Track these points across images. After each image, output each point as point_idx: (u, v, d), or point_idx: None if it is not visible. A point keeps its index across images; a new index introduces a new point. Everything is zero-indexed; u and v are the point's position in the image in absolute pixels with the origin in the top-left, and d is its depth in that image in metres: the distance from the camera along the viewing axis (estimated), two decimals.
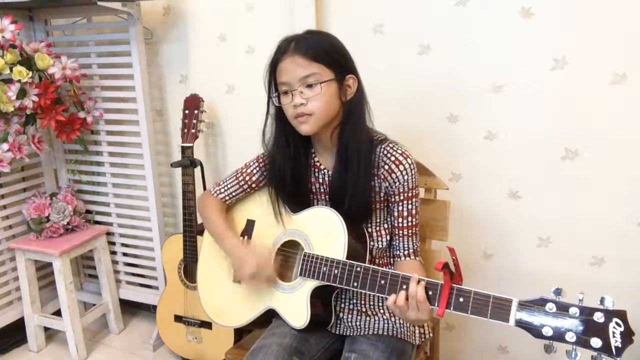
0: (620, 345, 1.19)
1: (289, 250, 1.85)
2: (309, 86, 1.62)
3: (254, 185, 1.94)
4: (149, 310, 3.36)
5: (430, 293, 1.46)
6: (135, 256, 3.24)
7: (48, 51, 2.65)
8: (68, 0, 2.76)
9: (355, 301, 1.84)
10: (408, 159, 1.71)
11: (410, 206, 1.74)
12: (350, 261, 1.62)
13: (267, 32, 2.58)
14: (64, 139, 2.84)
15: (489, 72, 2.21)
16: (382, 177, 1.72)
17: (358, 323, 1.83)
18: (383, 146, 1.72)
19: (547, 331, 1.26)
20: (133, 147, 2.98)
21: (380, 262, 1.83)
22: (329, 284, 1.65)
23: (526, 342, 1.31)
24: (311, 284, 1.71)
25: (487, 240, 2.41)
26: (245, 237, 1.95)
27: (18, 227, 3.06)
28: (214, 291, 2.00)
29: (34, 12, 2.97)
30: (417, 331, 1.85)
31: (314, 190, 1.84)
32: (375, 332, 1.80)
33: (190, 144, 2.67)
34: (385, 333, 1.79)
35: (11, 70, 2.49)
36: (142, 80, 2.77)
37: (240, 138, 2.85)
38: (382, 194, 1.76)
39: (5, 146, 2.64)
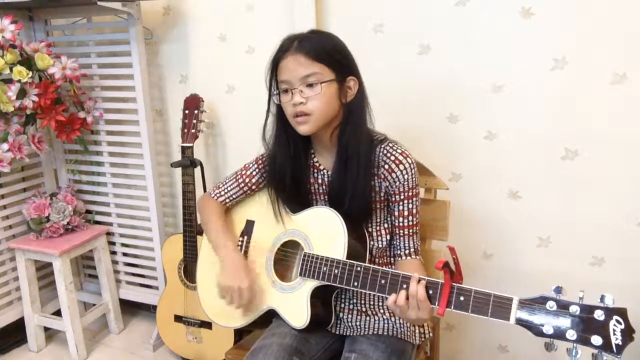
0: (620, 343, 1.19)
1: (288, 250, 1.85)
2: (310, 85, 1.62)
3: (254, 187, 1.94)
4: (149, 310, 3.35)
5: (430, 292, 1.46)
6: (135, 256, 3.24)
7: (48, 51, 2.65)
8: (68, 0, 2.76)
9: (355, 301, 1.83)
10: (408, 159, 1.71)
11: (410, 205, 1.74)
12: (351, 261, 1.62)
13: (267, 32, 2.59)
14: (64, 139, 2.84)
15: (489, 72, 2.21)
16: (382, 176, 1.72)
17: (358, 323, 1.83)
18: (383, 146, 1.73)
19: (548, 329, 1.26)
20: (133, 147, 2.98)
21: (381, 261, 1.83)
22: (329, 284, 1.65)
23: (526, 341, 1.32)
24: (311, 284, 1.71)
25: (487, 240, 2.41)
26: (245, 237, 1.95)
27: (18, 227, 3.06)
28: (213, 291, 1.99)
29: (34, 12, 2.97)
30: (417, 331, 1.85)
31: (313, 190, 1.84)
32: (375, 332, 1.80)
33: (190, 144, 2.67)
34: (385, 333, 1.79)
35: (11, 70, 2.49)
36: (142, 80, 2.77)
37: (240, 138, 2.85)
38: (382, 194, 1.76)
39: (5, 146, 2.64)
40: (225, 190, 1.97)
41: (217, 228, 1.94)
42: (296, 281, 1.76)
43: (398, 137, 1.78)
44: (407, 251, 1.77)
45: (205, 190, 2.74)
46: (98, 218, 3.22)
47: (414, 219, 1.76)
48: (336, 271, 1.63)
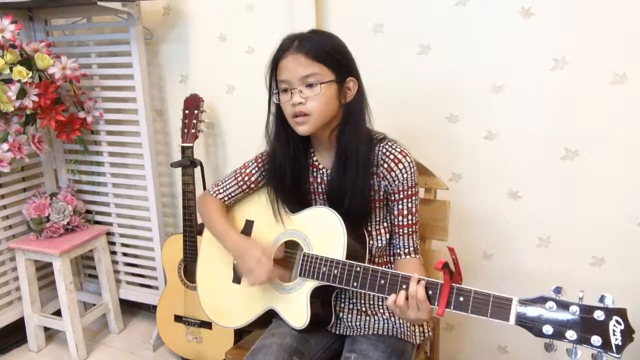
0: (620, 343, 1.19)
1: (288, 250, 1.84)
2: (309, 86, 1.62)
3: (253, 186, 1.94)
4: (149, 310, 3.35)
5: (430, 292, 1.46)
6: (135, 256, 3.24)
7: (48, 51, 2.65)
8: (68, 0, 2.76)
9: (355, 301, 1.83)
10: (407, 157, 1.71)
11: (410, 204, 1.74)
12: (350, 261, 1.62)
13: (267, 32, 2.59)
14: (64, 139, 2.84)
15: (489, 72, 2.21)
16: (382, 175, 1.72)
17: (358, 323, 1.83)
18: (382, 145, 1.73)
19: (548, 330, 1.26)
20: (133, 147, 2.98)
21: (380, 260, 1.83)
22: (329, 284, 1.65)
23: (526, 341, 1.32)
24: (311, 284, 1.71)
25: (487, 240, 2.41)
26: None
27: (18, 227, 3.06)
28: (213, 291, 2.00)
29: (34, 12, 2.97)
30: (417, 330, 1.85)
31: (312, 189, 1.84)
32: (375, 332, 1.80)
33: (190, 144, 2.67)
34: (385, 333, 1.80)
35: (11, 70, 2.49)
36: (142, 80, 2.78)
37: (240, 138, 2.85)
38: (381, 193, 1.76)
39: (5, 146, 2.64)
40: (225, 188, 1.97)
41: (220, 222, 1.94)
42: (296, 281, 1.76)
43: (398, 137, 1.78)
44: (406, 250, 1.77)
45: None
46: (98, 218, 3.22)
47: (414, 217, 1.76)
48: (335, 271, 1.63)
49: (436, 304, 1.44)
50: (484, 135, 2.29)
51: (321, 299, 1.77)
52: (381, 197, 1.77)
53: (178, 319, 2.82)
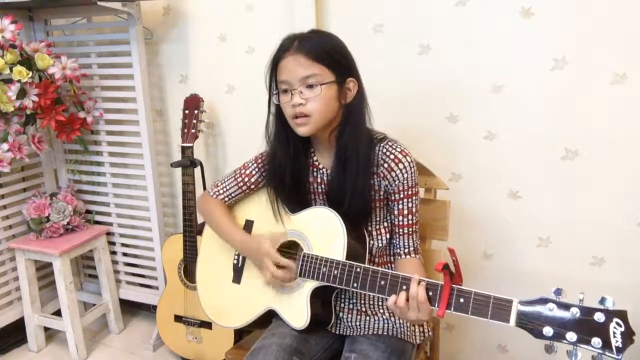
0: (620, 345, 1.19)
1: (288, 250, 1.84)
2: (309, 87, 1.61)
3: (252, 187, 1.94)
4: (149, 310, 3.36)
5: (430, 294, 1.46)
6: (135, 256, 3.24)
7: (48, 51, 2.65)
8: (68, 0, 2.76)
9: (355, 301, 1.83)
10: (407, 157, 1.70)
11: (410, 204, 1.74)
12: (350, 262, 1.62)
13: (267, 32, 2.59)
14: (64, 139, 2.84)
15: (489, 72, 2.21)
16: (382, 175, 1.72)
17: (358, 323, 1.83)
18: (382, 144, 1.72)
19: (548, 331, 1.26)
20: (133, 147, 2.99)
21: (380, 260, 1.83)
22: (329, 284, 1.65)
23: (526, 341, 1.31)
24: (311, 284, 1.71)
25: (487, 240, 2.41)
26: None
27: (18, 227, 3.06)
28: (213, 291, 2.00)
29: (34, 12, 2.97)
30: (417, 330, 1.85)
31: (312, 189, 1.84)
32: (375, 332, 1.80)
33: (190, 144, 2.67)
34: (385, 333, 1.80)
35: (11, 70, 2.49)
36: (142, 80, 2.77)
37: (240, 138, 2.85)
38: (381, 193, 1.76)
39: (5, 146, 2.64)
40: (225, 189, 1.97)
41: (226, 224, 1.95)
42: (296, 282, 1.75)
43: (398, 137, 1.78)
44: (406, 250, 1.77)
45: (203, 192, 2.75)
46: (98, 218, 3.23)
47: (414, 217, 1.76)
48: (335, 272, 1.63)
49: (436, 305, 1.44)
50: (484, 135, 2.29)
51: (321, 299, 1.77)
52: (381, 197, 1.76)
53: (178, 319, 2.82)
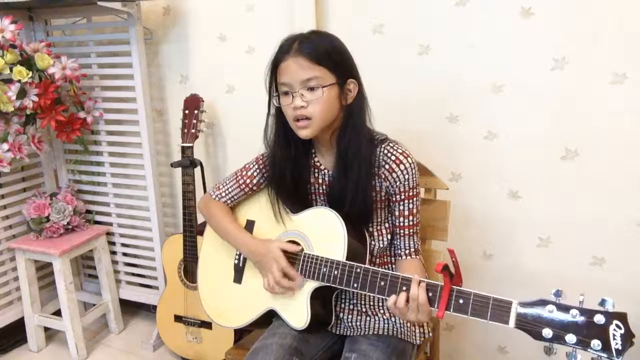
0: (620, 347, 1.19)
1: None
2: (310, 89, 1.61)
3: (254, 188, 1.94)
4: (149, 310, 3.36)
5: (430, 294, 1.46)
6: (135, 256, 3.24)
7: (48, 51, 2.65)
8: (68, 0, 2.75)
9: (355, 301, 1.84)
10: (409, 159, 1.70)
11: (411, 205, 1.74)
12: (350, 262, 1.62)
13: (267, 32, 2.59)
14: (64, 139, 2.84)
15: (489, 72, 2.21)
16: (383, 176, 1.72)
17: (358, 323, 1.83)
18: (384, 146, 1.72)
19: (547, 333, 1.26)
20: (133, 147, 2.99)
21: (381, 261, 1.83)
22: (329, 285, 1.66)
23: (526, 342, 1.31)
24: (311, 284, 1.71)
25: (487, 240, 2.41)
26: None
27: (18, 227, 3.07)
28: (214, 291, 2.00)
29: (34, 12, 2.97)
30: (417, 331, 1.85)
31: (313, 190, 1.84)
32: (375, 332, 1.80)
33: (190, 144, 2.67)
34: (385, 333, 1.80)
35: (11, 70, 2.49)
36: (142, 80, 2.78)
37: (240, 138, 2.85)
38: (382, 194, 1.76)
39: (5, 146, 2.64)
40: (227, 192, 1.97)
41: (231, 227, 1.94)
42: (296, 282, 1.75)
43: (398, 137, 1.78)
44: (407, 251, 1.77)
45: (205, 191, 2.74)
46: (98, 218, 3.23)
47: (415, 218, 1.76)
48: (336, 272, 1.63)
49: (436, 306, 1.44)
50: (484, 135, 2.29)
51: (321, 300, 1.77)
52: (382, 198, 1.77)
53: (178, 319, 2.82)
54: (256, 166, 1.91)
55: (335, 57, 1.63)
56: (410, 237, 1.77)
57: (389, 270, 1.58)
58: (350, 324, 1.84)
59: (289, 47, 1.63)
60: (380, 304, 1.83)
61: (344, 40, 1.69)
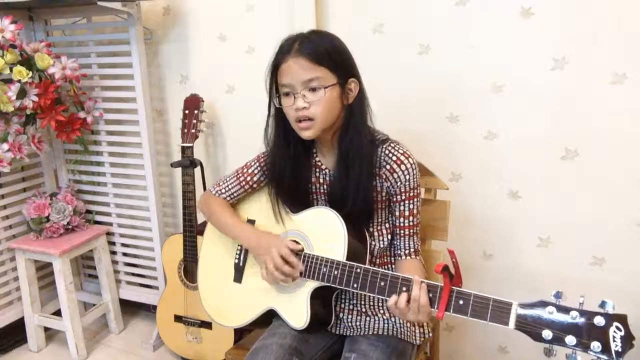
0: (620, 350, 1.19)
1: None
2: (312, 90, 1.61)
3: (255, 186, 1.94)
4: (149, 310, 3.36)
5: (430, 295, 1.46)
6: (135, 256, 3.24)
7: (48, 51, 2.65)
8: (68, 0, 2.75)
9: (355, 301, 1.84)
10: (410, 159, 1.70)
11: (411, 206, 1.74)
12: (350, 262, 1.62)
13: (267, 32, 2.59)
14: (64, 139, 2.84)
15: (489, 72, 2.21)
16: (384, 176, 1.72)
17: (358, 323, 1.83)
18: (385, 146, 1.72)
19: (547, 335, 1.26)
20: (133, 147, 2.99)
21: (381, 261, 1.84)
22: (329, 285, 1.66)
23: (526, 343, 1.31)
24: (311, 284, 1.71)
25: (487, 240, 2.41)
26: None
27: (18, 227, 3.07)
28: (214, 291, 2.00)
29: (34, 12, 2.97)
30: (417, 331, 1.85)
31: (314, 190, 1.84)
32: (375, 332, 1.81)
33: (190, 144, 2.67)
34: (385, 333, 1.80)
35: (11, 70, 2.49)
36: (142, 80, 2.77)
37: (240, 138, 2.85)
38: (383, 194, 1.76)
39: (5, 146, 2.64)
40: (227, 188, 1.97)
41: (229, 217, 1.94)
42: (296, 282, 1.75)
43: (398, 137, 1.78)
44: (407, 251, 1.78)
45: (205, 191, 2.74)
46: (98, 218, 3.23)
47: (415, 219, 1.76)
48: (336, 272, 1.64)
49: (436, 307, 1.44)
50: (484, 135, 2.29)
51: (321, 300, 1.78)
52: (383, 198, 1.77)
53: (178, 319, 2.82)
54: (257, 164, 1.92)
55: (335, 57, 1.63)
56: (411, 237, 1.77)
57: (389, 270, 1.58)
58: (350, 324, 1.84)
59: (289, 48, 1.62)
60: (380, 304, 1.83)
61: (344, 40, 1.69)
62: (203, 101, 2.70)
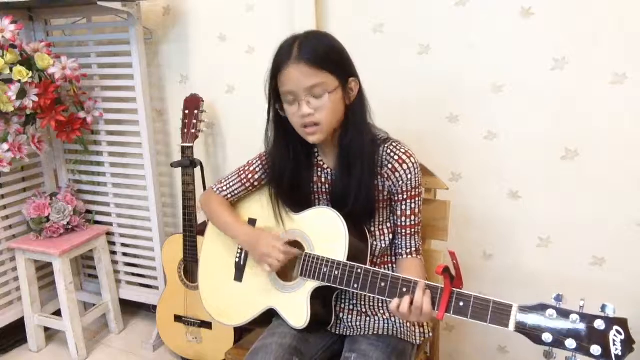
0: (620, 353, 1.18)
1: None
2: (316, 95, 1.60)
3: (256, 184, 1.94)
4: (149, 310, 3.36)
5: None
6: (135, 256, 3.24)
7: (48, 51, 2.65)
8: (68, 0, 2.75)
9: (355, 302, 1.84)
10: (412, 158, 1.71)
11: (413, 205, 1.74)
12: (351, 262, 1.62)
13: (267, 32, 2.59)
14: (64, 139, 2.84)
15: (489, 72, 2.21)
16: (386, 176, 1.72)
17: (358, 323, 1.83)
18: (386, 145, 1.72)
19: (547, 337, 1.26)
20: (133, 147, 2.99)
21: (382, 260, 1.84)
22: (329, 284, 1.66)
23: (526, 343, 1.31)
24: (312, 284, 1.71)
25: (487, 240, 2.40)
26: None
27: (18, 227, 3.07)
28: (215, 290, 2.00)
29: (34, 12, 2.97)
30: (417, 331, 1.85)
31: (315, 189, 1.84)
32: (375, 332, 1.81)
33: (190, 144, 2.67)
34: (385, 333, 1.80)
35: (11, 70, 2.49)
36: (142, 80, 2.78)
37: (240, 138, 2.85)
38: (385, 193, 1.76)
39: (5, 146, 2.64)
40: (228, 186, 1.97)
41: (228, 215, 1.95)
42: (297, 281, 1.76)
43: (397, 137, 1.78)
44: (408, 250, 1.78)
45: (205, 190, 2.74)
46: (98, 218, 3.23)
47: (417, 218, 1.77)
48: (336, 272, 1.64)
49: (436, 308, 1.44)
50: (484, 135, 2.29)
51: (322, 299, 1.78)
52: (385, 198, 1.77)
53: (178, 319, 2.82)
54: (259, 162, 1.92)
55: (335, 58, 1.63)
56: (412, 236, 1.77)
57: (389, 270, 1.58)
58: (350, 324, 1.84)
59: (288, 54, 1.60)
60: (380, 304, 1.83)
61: (344, 39, 1.69)
62: (203, 101, 2.70)
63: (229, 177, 1.98)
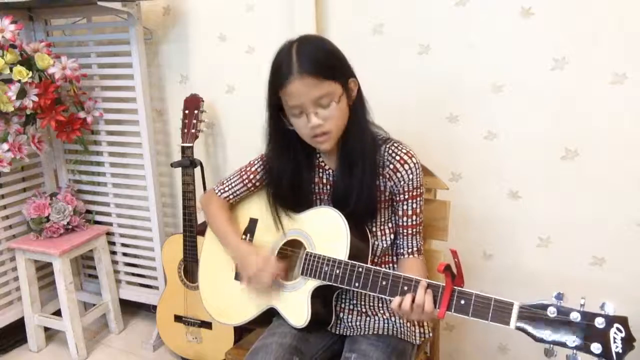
0: (620, 351, 1.18)
1: (291, 249, 1.85)
2: (323, 105, 1.60)
3: (258, 184, 1.94)
4: (149, 310, 3.36)
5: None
6: (135, 256, 3.24)
7: (48, 51, 2.65)
8: (68, 0, 2.75)
9: (355, 302, 1.84)
10: (413, 158, 1.71)
11: (415, 205, 1.75)
12: (352, 261, 1.62)
13: (267, 32, 2.59)
14: (64, 139, 2.84)
15: (489, 72, 2.21)
16: (387, 176, 1.73)
17: (358, 323, 1.83)
18: (388, 145, 1.73)
19: (548, 335, 1.26)
20: (133, 147, 2.99)
21: (383, 260, 1.84)
22: (331, 284, 1.66)
23: (527, 342, 1.32)
24: (312, 283, 1.71)
25: (487, 240, 2.41)
26: (248, 235, 1.95)
27: (18, 227, 3.07)
28: (215, 290, 2.00)
29: (34, 12, 2.97)
30: (417, 331, 1.85)
31: (317, 190, 1.85)
32: (375, 332, 1.81)
33: (190, 144, 2.67)
34: (385, 333, 1.80)
35: (11, 70, 2.49)
36: (142, 80, 2.78)
37: (240, 138, 2.85)
38: (386, 193, 1.76)
39: (5, 146, 2.64)
40: (230, 187, 1.97)
41: (222, 224, 1.95)
42: (297, 280, 1.76)
43: (397, 137, 1.79)
44: (409, 250, 1.78)
45: (205, 190, 2.74)
46: (98, 218, 3.23)
47: (418, 218, 1.77)
48: (337, 271, 1.64)
49: (437, 306, 1.44)
50: (484, 135, 2.29)
51: (322, 299, 1.77)
52: (386, 198, 1.77)
53: (178, 319, 2.82)
54: (260, 162, 1.92)
55: (335, 63, 1.62)
56: (413, 236, 1.78)
57: (390, 269, 1.58)
58: (350, 324, 1.84)
59: (289, 67, 1.57)
60: (380, 304, 1.83)
61: (344, 40, 1.70)
62: (203, 101, 2.70)
63: (231, 177, 1.98)
